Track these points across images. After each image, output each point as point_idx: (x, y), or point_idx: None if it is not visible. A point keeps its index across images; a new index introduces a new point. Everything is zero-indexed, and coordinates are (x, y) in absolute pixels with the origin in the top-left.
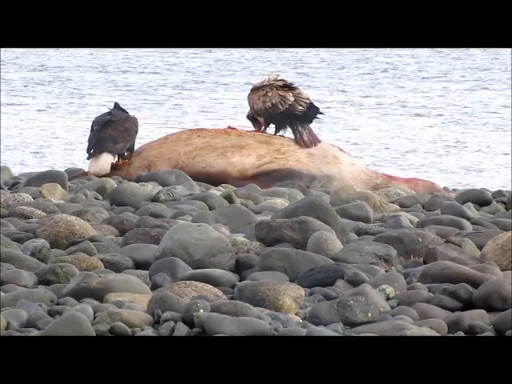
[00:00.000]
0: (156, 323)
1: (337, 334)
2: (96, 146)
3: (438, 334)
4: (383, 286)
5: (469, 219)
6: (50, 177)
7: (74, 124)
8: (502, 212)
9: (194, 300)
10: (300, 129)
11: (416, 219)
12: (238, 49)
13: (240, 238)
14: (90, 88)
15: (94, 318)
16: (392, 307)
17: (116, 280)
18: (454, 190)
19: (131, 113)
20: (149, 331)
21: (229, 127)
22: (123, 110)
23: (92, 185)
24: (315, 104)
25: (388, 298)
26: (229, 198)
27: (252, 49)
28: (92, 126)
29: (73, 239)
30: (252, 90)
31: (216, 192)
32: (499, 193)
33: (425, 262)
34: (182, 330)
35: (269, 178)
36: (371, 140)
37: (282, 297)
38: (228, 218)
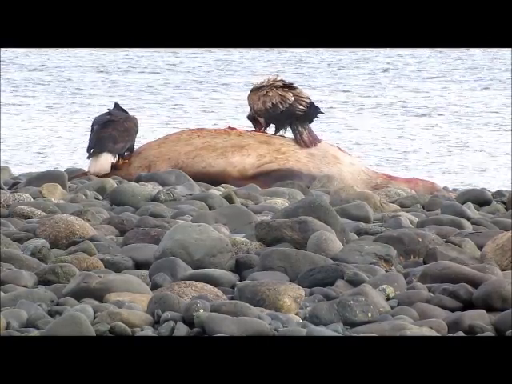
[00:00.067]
0: (156, 323)
1: (337, 334)
2: (96, 146)
3: (438, 334)
4: (383, 286)
5: (469, 219)
6: (50, 177)
7: (76, 124)
8: (502, 212)
9: (193, 300)
10: (300, 129)
11: (416, 219)
12: (237, 49)
13: (240, 238)
14: (90, 88)
15: (94, 318)
16: (392, 307)
17: (116, 280)
18: (454, 189)
19: (131, 113)
20: (149, 331)
21: (229, 127)
22: (123, 110)
23: (92, 185)
24: (315, 104)
25: (388, 298)
26: (229, 198)
27: (252, 49)
28: (92, 126)
29: (73, 239)
30: (252, 90)
31: (216, 192)
32: (499, 193)
33: (425, 262)
34: (181, 329)
35: (269, 178)
36: (371, 140)
37: (282, 297)
38: (228, 218)
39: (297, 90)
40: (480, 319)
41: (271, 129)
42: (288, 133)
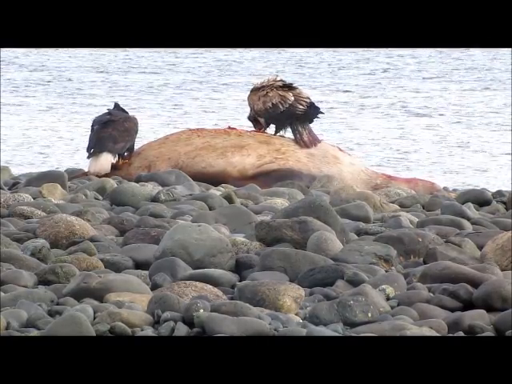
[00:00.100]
0: (156, 323)
1: (337, 334)
2: (96, 146)
3: (438, 334)
4: (383, 286)
5: (469, 219)
6: (50, 177)
7: (77, 124)
8: (502, 212)
9: (193, 300)
10: (300, 129)
11: (416, 219)
12: (237, 49)
13: (240, 238)
14: (90, 88)
15: (94, 318)
16: (392, 307)
17: (116, 280)
18: (454, 190)
19: (131, 113)
20: (149, 331)
21: (229, 127)
22: (123, 110)
23: (92, 185)
24: (315, 104)
25: (388, 298)
26: (229, 198)
27: (252, 49)
28: (92, 126)
29: (73, 239)
30: (252, 90)
31: (216, 192)
32: (499, 193)
33: (425, 262)
34: (181, 329)
35: (269, 177)
36: (372, 140)
37: (282, 297)
38: (228, 218)
39: (297, 90)
40: (480, 319)
41: (271, 129)
42: (288, 133)
